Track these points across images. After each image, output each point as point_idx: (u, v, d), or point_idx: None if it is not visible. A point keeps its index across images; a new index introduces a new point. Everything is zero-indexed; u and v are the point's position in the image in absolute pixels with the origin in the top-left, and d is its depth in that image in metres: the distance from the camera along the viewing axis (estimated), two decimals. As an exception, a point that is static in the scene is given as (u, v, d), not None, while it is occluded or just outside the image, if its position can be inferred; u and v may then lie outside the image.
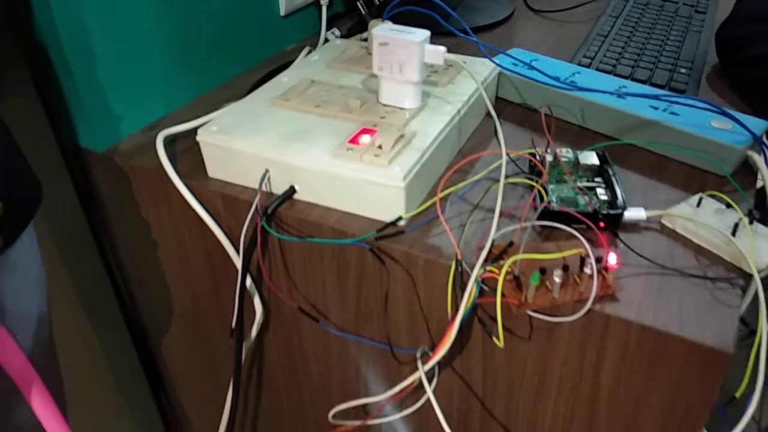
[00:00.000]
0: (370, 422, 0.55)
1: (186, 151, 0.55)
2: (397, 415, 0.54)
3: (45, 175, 0.47)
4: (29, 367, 0.42)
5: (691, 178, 0.50)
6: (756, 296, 0.53)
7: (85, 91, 0.53)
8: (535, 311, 0.40)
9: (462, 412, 0.50)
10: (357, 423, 0.54)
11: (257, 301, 0.53)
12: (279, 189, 0.49)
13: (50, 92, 0.54)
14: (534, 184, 0.46)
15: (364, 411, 0.56)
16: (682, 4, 0.83)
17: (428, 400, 0.46)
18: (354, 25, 0.78)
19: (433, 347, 0.46)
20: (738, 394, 0.41)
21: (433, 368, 0.48)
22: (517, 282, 0.40)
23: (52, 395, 0.42)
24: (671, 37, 0.72)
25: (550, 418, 0.46)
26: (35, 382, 0.42)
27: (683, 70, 0.64)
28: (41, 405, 0.42)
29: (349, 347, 0.53)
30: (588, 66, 0.65)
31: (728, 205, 0.45)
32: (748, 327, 0.77)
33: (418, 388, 0.51)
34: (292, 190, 0.48)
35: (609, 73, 0.63)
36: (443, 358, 0.48)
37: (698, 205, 0.45)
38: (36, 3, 0.49)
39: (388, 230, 0.45)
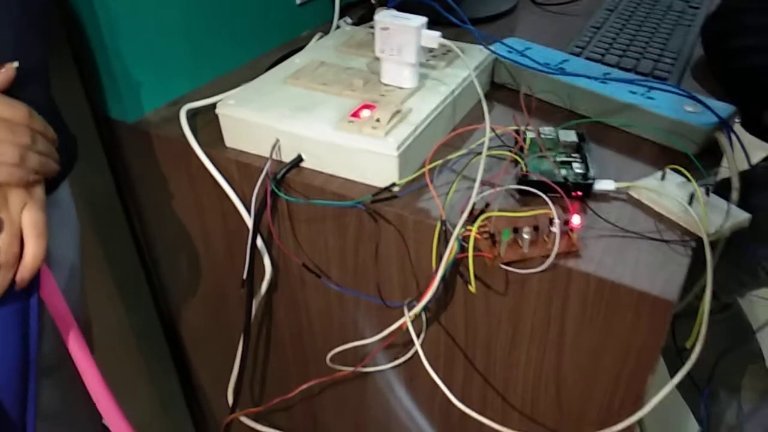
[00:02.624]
0: (364, 369, 0.61)
1: (206, 124, 0.61)
2: (390, 364, 0.59)
3: (80, 143, 0.53)
4: (69, 312, 0.48)
5: (661, 156, 0.55)
6: (721, 265, 0.58)
7: (118, 67, 0.60)
8: (507, 264, 0.45)
9: (447, 361, 0.56)
10: (351, 369, 0.60)
11: (267, 261, 0.59)
12: (288, 157, 0.54)
13: (87, 68, 0.60)
14: (510, 154, 0.51)
15: (360, 359, 0.61)
16: (677, -1, 0.88)
17: (419, 350, 0.52)
18: (365, 14, 0.84)
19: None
20: (688, 344, 0.46)
21: (421, 321, 0.54)
22: (492, 239, 0.45)
23: None
24: (661, 30, 0.77)
25: (523, 365, 0.51)
26: (73, 327, 0.48)
27: (668, 60, 0.69)
28: (78, 350, 0.48)
29: (347, 302, 0.59)
30: (579, 55, 0.70)
31: (690, 179, 0.50)
32: (720, 301, 0.81)
33: (409, 342, 0.57)
34: (299, 159, 0.54)
35: (597, 61, 0.68)
36: (430, 312, 0.54)
37: (662, 178, 0.50)
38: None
39: (383, 195, 0.51)
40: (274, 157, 0.54)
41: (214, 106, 0.57)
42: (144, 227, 0.71)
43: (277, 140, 0.54)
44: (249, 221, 0.56)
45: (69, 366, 0.48)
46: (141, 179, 0.66)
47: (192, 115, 0.62)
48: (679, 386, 0.91)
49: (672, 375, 0.43)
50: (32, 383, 0.45)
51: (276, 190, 0.53)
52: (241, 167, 0.56)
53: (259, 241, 0.58)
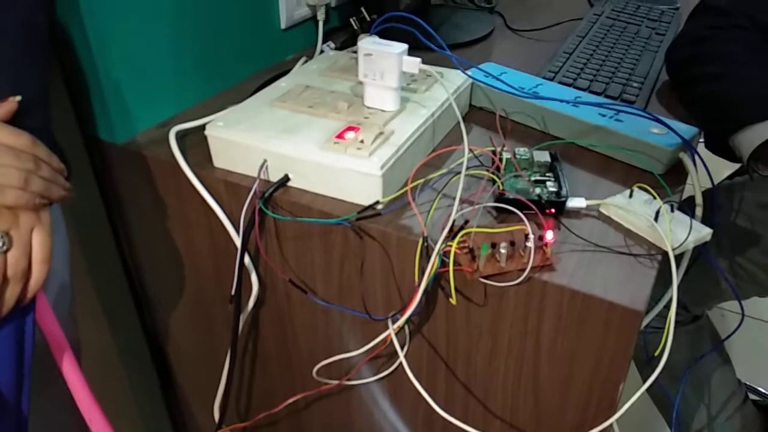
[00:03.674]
0: (349, 382, 0.63)
1: (194, 145, 0.63)
2: (375, 377, 0.61)
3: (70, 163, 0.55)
4: (60, 331, 0.49)
5: (630, 176, 0.58)
6: (688, 279, 0.61)
7: (107, 89, 0.61)
8: (486, 278, 0.48)
9: (430, 372, 0.58)
10: (336, 382, 0.61)
11: (254, 277, 0.61)
12: (275, 177, 0.57)
13: (77, 89, 0.62)
14: (487, 173, 0.54)
15: (345, 372, 0.63)
16: (644, 26, 0.92)
17: (403, 362, 0.54)
18: (347, 39, 0.87)
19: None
20: (657, 353, 0.48)
21: (404, 334, 0.56)
22: (471, 254, 0.48)
23: None
24: (629, 55, 0.81)
25: (503, 374, 0.54)
26: (64, 346, 0.49)
27: (635, 85, 0.73)
28: (70, 369, 0.49)
29: (333, 317, 0.61)
30: (552, 79, 0.74)
31: (655, 197, 0.53)
32: (690, 313, 0.85)
33: (393, 355, 0.59)
34: (286, 178, 0.56)
35: (569, 85, 0.72)
36: (413, 325, 0.56)
37: (630, 196, 0.53)
38: (64, 9, 0.57)
39: (368, 213, 0.53)
40: (261, 176, 0.56)
41: (202, 127, 0.60)
42: (132, 247, 0.72)
43: (265, 160, 0.56)
44: (237, 239, 0.58)
45: (55, 386, 0.49)
46: (129, 199, 0.68)
47: (181, 136, 0.64)
48: (652, 394, 0.95)
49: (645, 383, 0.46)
50: (24, 404, 0.46)
51: (264, 209, 0.55)
52: (229, 187, 0.58)
53: (247, 259, 0.60)
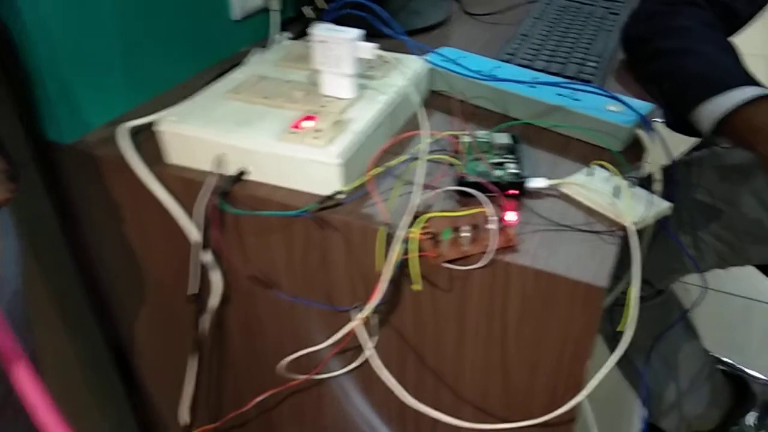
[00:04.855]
0: (317, 376, 0.62)
1: (145, 141, 0.61)
2: (344, 369, 0.60)
3: (16, 163, 0.52)
4: (13, 341, 0.46)
5: (589, 154, 0.59)
6: (651, 254, 0.62)
7: (52, 87, 0.59)
8: (450, 262, 0.47)
9: (399, 361, 0.57)
10: (303, 377, 0.60)
11: (216, 275, 0.59)
12: (232, 170, 0.55)
13: (20, 88, 0.59)
14: (448, 158, 0.54)
15: (314, 366, 0.62)
16: (599, 6, 0.93)
17: (371, 354, 0.53)
18: (303, 29, 0.85)
19: (370, 303, 0.53)
20: (620, 328, 0.49)
21: (372, 324, 0.55)
22: (434, 239, 0.47)
23: None
24: (584, 36, 0.81)
25: (471, 360, 0.53)
26: (19, 357, 0.46)
27: (592, 64, 0.73)
28: (26, 381, 0.46)
29: (299, 311, 0.60)
30: (509, 61, 0.73)
31: (615, 174, 0.53)
32: (653, 287, 0.86)
33: (362, 346, 0.58)
34: (243, 171, 0.55)
35: (527, 67, 0.72)
36: (381, 314, 0.55)
37: (590, 174, 0.53)
38: (4, 4, 0.54)
39: (328, 203, 0.52)
40: (217, 171, 0.55)
41: (152, 124, 0.58)
42: (87, 250, 0.70)
43: (221, 154, 0.55)
44: (195, 236, 0.56)
45: (10, 404, 0.46)
46: (82, 201, 0.65)
47: (133, 134, 0.62)
48: (621, 369, 0.96)
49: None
50: None
51: (221, 204, 0.53)
52: (184, 183, 0.56)
53: (207, 256, 0.58)
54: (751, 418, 1.03)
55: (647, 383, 0.90)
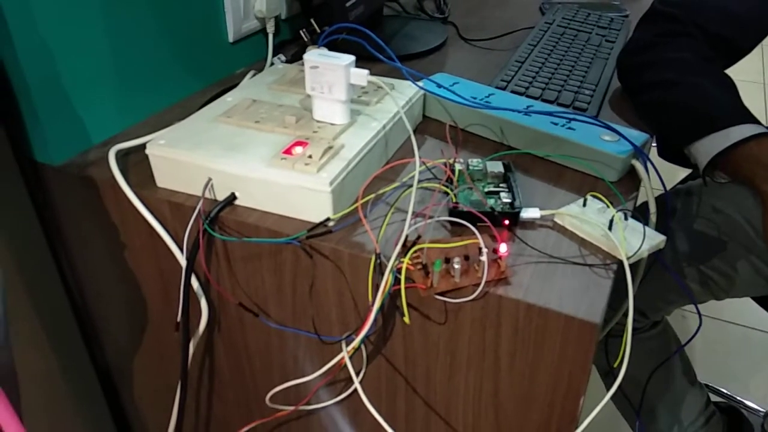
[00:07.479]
0: (305, 407, 0.61)
1: (136, 164, 0.60)
2: (332, 401, 0.59)
3: (2, 186, 0.51)
4: None
5: (583, 184, 0.58)
6: (646, 285, 0.61)
7: (42, 109, 0.58)
8: (440, 294, 0.46)
9: (389, 392, 0.56)
10: (291, 408, 0.59)
11: (203, 301, 0.58)
12: (221, 195, 0.54)
13: (9, 109, 0.58)
14: (440, 186, 0.53)
15: (302, 397, 0.61)
16: (594, 33, 0.93)
17: (358, 388, 0.52)
18: (298, 51, 0.85)
19: (359, 334, 0.52)
20: (616, 364, 0.48)
21: (362, 354, 0.54)
22: (425, 270, 0.46)
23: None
24: (580, 63, 0.81)
25: (463, 393, 0.52)
26: None
27: (587, 92, 0.73)
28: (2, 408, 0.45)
29: (287, 340, 0.59)
30: (504, 88, 0.73)
31: (609, 205, 0.52)
32: (648, 319, 0.85)
33: (351, 377, 0.57)
34: (232, 197, 0.54)
35: (521, 94, 0.71)
36: (371, 345, 0.54)
37: (584, 205, 0.52)
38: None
39: (318, 230, 0.51)
40: (206, 195, 0.54)
41: (144, 146, 0.57)
42: (75, 273, 0.69)
43: (210, 179, 0.54)
44: (182, 261, 0.55)
45: None
46: (70, 223, 0.64)
47: (122, 156, 0.61)
48: (617, 405, 0.94)
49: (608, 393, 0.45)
50: None
51: (209, 229, 0.52)
52: (173, 207, 0.55)
53: (195, 282, 0.57)
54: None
55: (639, 418, 0.88)
